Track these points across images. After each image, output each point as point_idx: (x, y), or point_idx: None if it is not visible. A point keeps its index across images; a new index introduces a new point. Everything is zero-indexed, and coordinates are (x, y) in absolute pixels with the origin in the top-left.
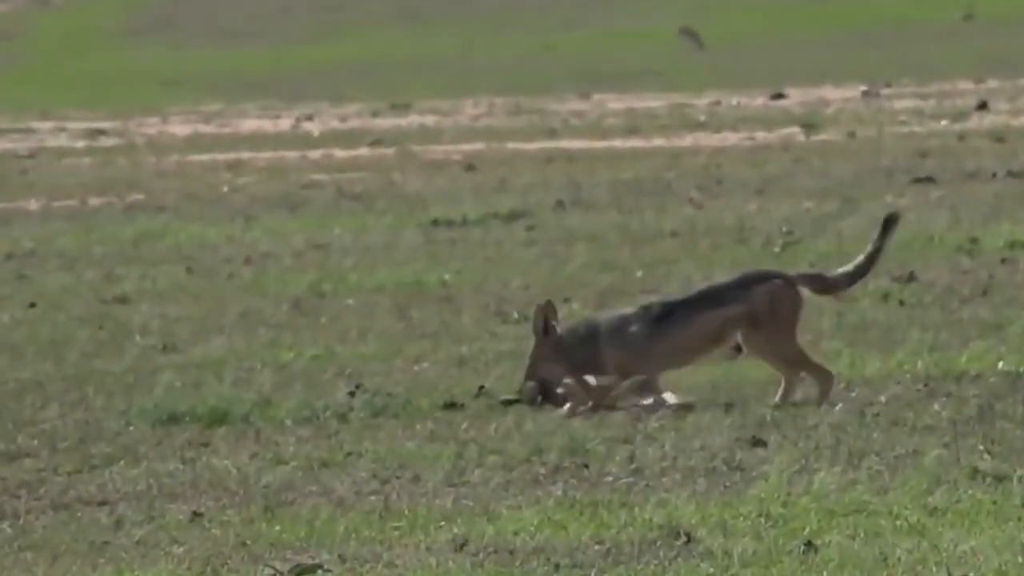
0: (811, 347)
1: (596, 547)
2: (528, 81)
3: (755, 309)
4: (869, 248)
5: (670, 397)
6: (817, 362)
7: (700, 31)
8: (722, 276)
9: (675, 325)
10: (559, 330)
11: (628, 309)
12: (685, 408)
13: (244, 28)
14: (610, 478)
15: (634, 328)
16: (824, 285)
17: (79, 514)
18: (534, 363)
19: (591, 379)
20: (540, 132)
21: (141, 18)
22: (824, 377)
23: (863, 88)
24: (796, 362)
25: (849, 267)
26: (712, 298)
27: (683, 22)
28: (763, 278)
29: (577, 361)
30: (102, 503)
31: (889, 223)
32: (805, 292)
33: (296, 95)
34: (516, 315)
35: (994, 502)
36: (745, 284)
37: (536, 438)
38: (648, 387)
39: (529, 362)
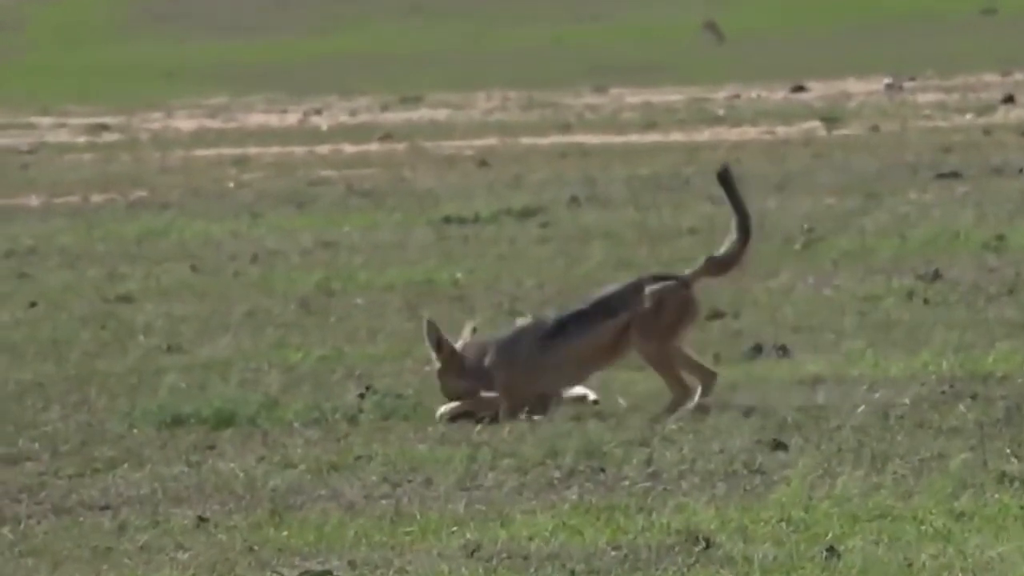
0: (688, 357)
1: (613, 553)
2: (542, 74)
3: (641, 309)
4: (734, 216)
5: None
6: (679, 376)
7: (719, 22)
8: (619, 281)
9: (565, 342)
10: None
11: (520, 325)
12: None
13: (250, 19)
14: (627, 482)
15: (523, 348)
16: (722, 265)
17: (81, 519)
18: (442, 382)
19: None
20: (554, 126)
21: (144, 9)
22: (680, 392)
23: (886, 81)
24: (661, 365)
25: (733, 236)
26: (605, 308)
27: (701, 13)
28: (655, 279)
29: (474, 378)
30: (105, 507)
31: (724, 179)
32: (699, 293)
33: (304, 88)
34: (530, 315)
35: (1022, 507)
36: (637, 288)
37: (551, 441)
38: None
39: (440, 383)
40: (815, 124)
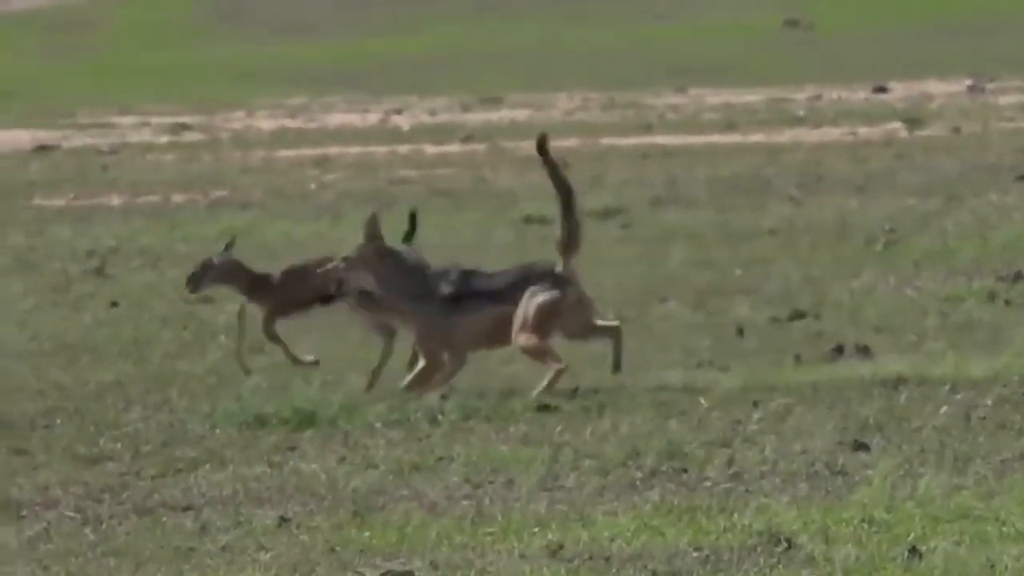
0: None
1: (694, 554)
2: (623, 75)
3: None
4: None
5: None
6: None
7: (799, 22)
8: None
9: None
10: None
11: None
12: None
13: (331, 19)
14: (709, 483)
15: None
16: (570, 246)
17: (163, 519)
18: None
19: None
20: (635, 127)
21: (225, 8)
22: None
23: (968, 82)
24: (536, 352)
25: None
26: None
27: (781, 13)
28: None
29: None
30: (187, 508)
31: (541, 150)
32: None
33: (384, 88)
34: (612, 316)
35: None
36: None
37: (632, 441)
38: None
39: None
40: (896, 125)
